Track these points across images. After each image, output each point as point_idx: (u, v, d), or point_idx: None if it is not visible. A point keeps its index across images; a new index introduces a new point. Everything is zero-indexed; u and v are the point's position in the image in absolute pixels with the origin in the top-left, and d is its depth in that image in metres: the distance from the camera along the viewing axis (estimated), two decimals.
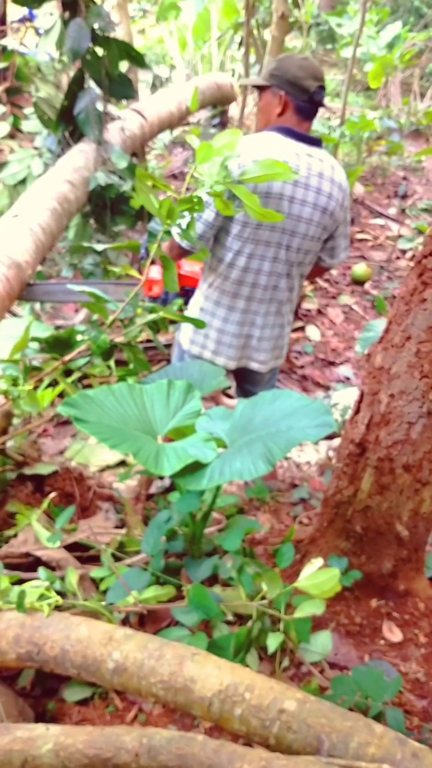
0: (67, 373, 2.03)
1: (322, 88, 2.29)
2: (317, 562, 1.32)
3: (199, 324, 2.01)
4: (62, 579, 1.57)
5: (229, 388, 3.56)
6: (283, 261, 2.38)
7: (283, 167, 1.83)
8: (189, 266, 2.79)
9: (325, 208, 2.34)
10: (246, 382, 2.71)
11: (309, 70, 2.27)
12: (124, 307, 1.97)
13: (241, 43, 7.20)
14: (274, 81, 2.31)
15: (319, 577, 1.30)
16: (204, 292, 2.51)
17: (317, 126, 5.61)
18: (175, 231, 2.46)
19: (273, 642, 1.39)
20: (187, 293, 2.64)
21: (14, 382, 1.88)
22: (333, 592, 1.30)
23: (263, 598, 1.43)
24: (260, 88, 2.41)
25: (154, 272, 2.74)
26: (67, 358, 1.96)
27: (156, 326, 2.03)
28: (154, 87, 7.76)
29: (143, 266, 2.84)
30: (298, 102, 2.29)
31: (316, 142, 2.36)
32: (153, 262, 2.81)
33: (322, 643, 1.53)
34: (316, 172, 2.30)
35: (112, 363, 2.03)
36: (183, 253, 2.48)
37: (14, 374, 1.90)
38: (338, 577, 1.31)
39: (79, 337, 2.05)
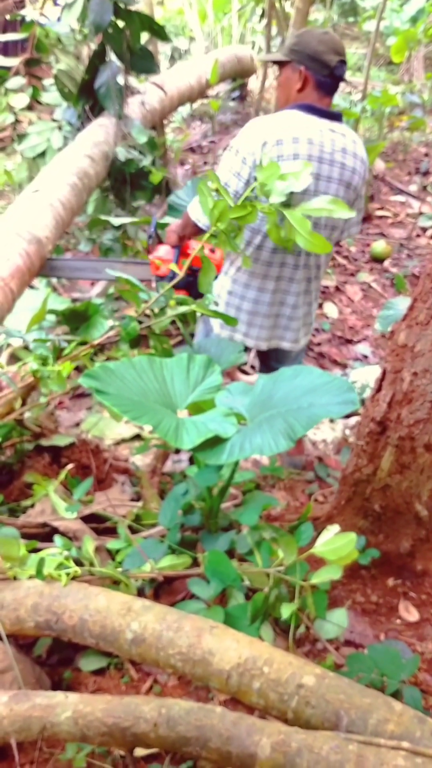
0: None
1: (343, 62, 2.25)
2: (334, 528, 1.31)
3: (231, 321, 1.99)
4: (79, 549, 1.58)
5: (245, 363, 3.56)
6: None
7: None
8: (197, 246, 2.75)
9: (349, 183, 2.31)
10: (275, 360, 2.69)
11: (330, 44, 2.23)
12: (157, 298, 1.97)
13: (262, 15, 7.08)
14: (294, 56, 2.27)
15: (336, 542, 1.29)
16: (232, 275, 2.48)
17: (338, 100, 5.51)
18: (192, 207, 2.44)
19: (287, 611, 1.38)
20: (194, 273, 2.59)
21: (44, 362, 1.90)
22: (350, 558, 1.29)
23: (280, 565, 1.43)
24: (280, 64, 2.37)
25: (162, 252, 2.72)
26: (96, 341, 1.98)
27: (185, 318, 2.03)
28: (172, 59, 7.69)
29: (152, 245, 2.82)
30: (318, 77, 2.25)
31: (337, 117, 2.32)
32: (160, 242, 2.80)
33: (338, 620, 1.53)
34: (340, 148, 2.27)
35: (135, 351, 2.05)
36: (198, 231, 2.45)
37: (44, 354, 1.92)
38: (355, 543, 1.29)
39: (109, 323, 2.08)
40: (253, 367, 3.63)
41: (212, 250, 2.63)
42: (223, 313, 1.98)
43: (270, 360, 2.69)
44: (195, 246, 2.73)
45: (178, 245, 2.68)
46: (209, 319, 2.64)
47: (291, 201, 1.81)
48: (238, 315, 2.47)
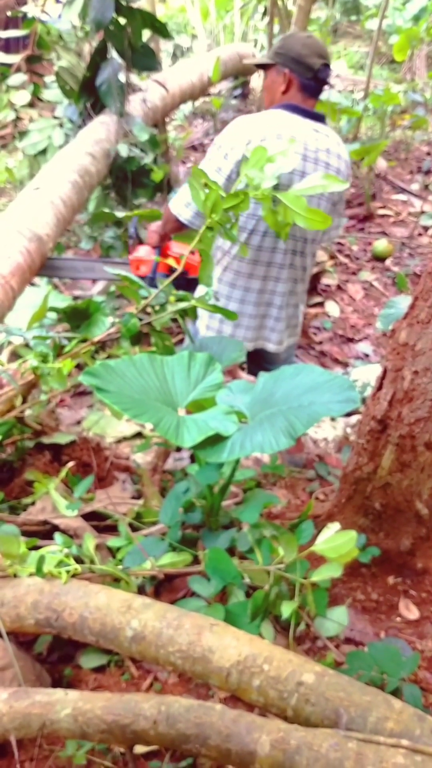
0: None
1: (326, 66, 2.29)
2: (334, 526, 1.31)
3: (231, 316, 1.99)
4: (79, 547, 1.58)
5: (246, 362, 3.55)
6: (298, 238, 2.36)
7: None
8: (178, 248, 2.72)
9: None
10: (264, 361, 2.69)
11: (313, 48, 2.27)
12: (157, 293, 1.97)
13: (264, 13, 7.07)
14: (278, 59, 2.32)
15: (337, 540, 1.29)
16: (217, 275, 2.48)
17: (339, 98, 5.50)
18: (173, 202, 2.43)
19: (287, 608, 1.38)
20: (179, 277, 2.50)
21: (44, 359, 1.90)
22: (350, 556, 1.29)
23: (280, 562, 1.43)
24: (264, 67, 2.40)
25: (142, 252, 2.71)
26: (96, 339, 1.98)
27: (185, 314, 2.03)
28: (174, 57, 7.67)
29: (132, 246, 2.82)
30: (302, 79, 2.29)
31: (320, 118, 2.36)
32: (141, 243, 2.79)
33: (338, 618, 1.53)
34: (324, 148, 2.30)
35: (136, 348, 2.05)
36: (179, 227, 2.44)
37: (44, 351, 1.92)
38: (356, 541, 1.29)
39: (110, 320, 2.08)
40: None
41: (193, 253, 2.62)
42: (224, 309, 1.98)
43: (260, 360, 2.70)
44: (175, 247, 2.72)
45: (158, 245, 2.68)
46: (196, 321, 2.64)
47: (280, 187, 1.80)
48: None
